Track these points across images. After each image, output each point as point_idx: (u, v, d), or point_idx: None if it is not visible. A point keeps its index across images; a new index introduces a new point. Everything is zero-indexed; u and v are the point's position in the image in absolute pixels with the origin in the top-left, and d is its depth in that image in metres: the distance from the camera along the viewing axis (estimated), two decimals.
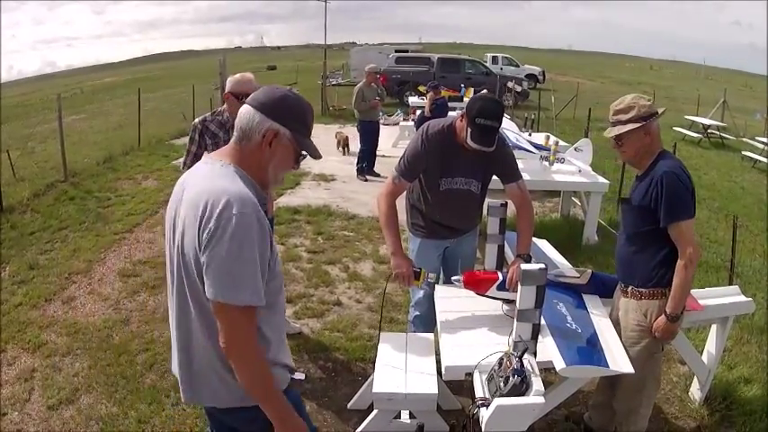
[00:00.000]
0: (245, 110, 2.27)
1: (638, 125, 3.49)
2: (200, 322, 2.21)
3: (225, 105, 4.74)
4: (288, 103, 2.29)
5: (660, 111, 3.60)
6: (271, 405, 2.22)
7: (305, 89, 32.33)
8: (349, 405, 4.37)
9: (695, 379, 4.76)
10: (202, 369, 2.29)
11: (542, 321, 3.33)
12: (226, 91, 4.68)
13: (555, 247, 7.05)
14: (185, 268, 2.18)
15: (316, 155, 2.36)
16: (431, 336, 4.22)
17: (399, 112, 20.49)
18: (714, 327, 4.63)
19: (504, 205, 4.17)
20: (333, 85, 31.32)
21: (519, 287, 3.14)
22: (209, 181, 2.17)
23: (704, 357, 4.64)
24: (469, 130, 3.83)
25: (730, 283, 6.06)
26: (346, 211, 9.95)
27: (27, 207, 9.89)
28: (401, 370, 3.79)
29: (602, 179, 8.38)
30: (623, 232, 3.76)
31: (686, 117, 23.10)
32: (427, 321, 4.51)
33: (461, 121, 3.95)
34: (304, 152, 2.35)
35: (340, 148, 14.96)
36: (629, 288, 3.68)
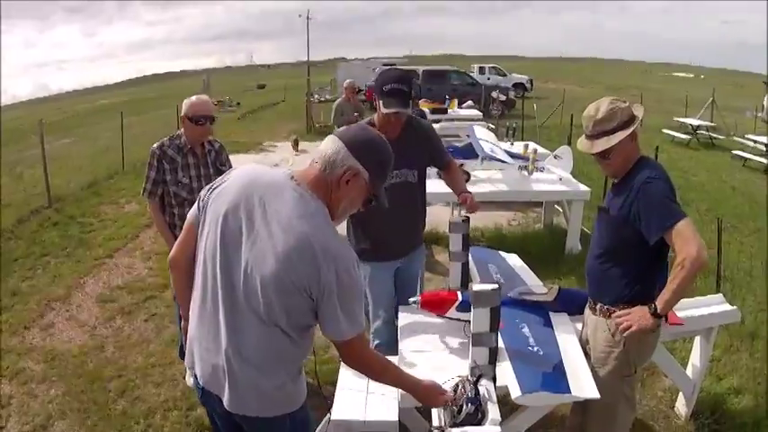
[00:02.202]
0: (333, 142, 2.35)
1: (627, 132, 3.22)
2: (258, 338, 2.32)
3: (182, 129, 4.68)
4: (373, 147, 2.40)
5: (638, 110, 3.31)
6: (402, 388, 2.75)
7: (292, 107, 32.58)
8: (317, 430, 4.25)
9: (681, 393, 4.61)
10: (248, 380, 2.36)
11: (502, 344, 3.20)
12: (181, 114, 4.61)
13: (537, 259, 6.97)
14: (249, 285, 2.27)
15: (384, 203, 2.46)
16: (394, 359, 4.05)
17: None
18: (698, 338, 4.46)
19: (467, 221, 4.05)
20: (319, 101, 31.28)
21: (472, 309, 2.98)
22: (308, 223, 2.24)
23: (689, 370, 4.49)
24: (381, 101, 3.93)
25: (717, 289, 5.95)
26: None
27: (11, 233, 9.87)
28: (362, 395, 3.59)
29: (583, 187, 8.24)
30: (596, 245, 3.49)
31: (675, 119, 23.09)
32: (389, 350, 4.31)
33: (375, 103, 4.05)
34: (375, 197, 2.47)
35: (294, 149, 18.38)
36: (598, 305, 3.44)
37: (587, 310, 3.61)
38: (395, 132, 4.01)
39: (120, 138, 16.30)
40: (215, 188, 2.45)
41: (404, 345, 3.71)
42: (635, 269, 3.28)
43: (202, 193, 2.49)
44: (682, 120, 22.75)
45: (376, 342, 4.44)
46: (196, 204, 2.50)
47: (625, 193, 3.24)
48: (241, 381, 2.36)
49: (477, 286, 2.97)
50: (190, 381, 5.07)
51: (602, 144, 3.25)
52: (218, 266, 2.33)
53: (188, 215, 2.56)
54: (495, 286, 2.92)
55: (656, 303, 3.08)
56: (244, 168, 2.51)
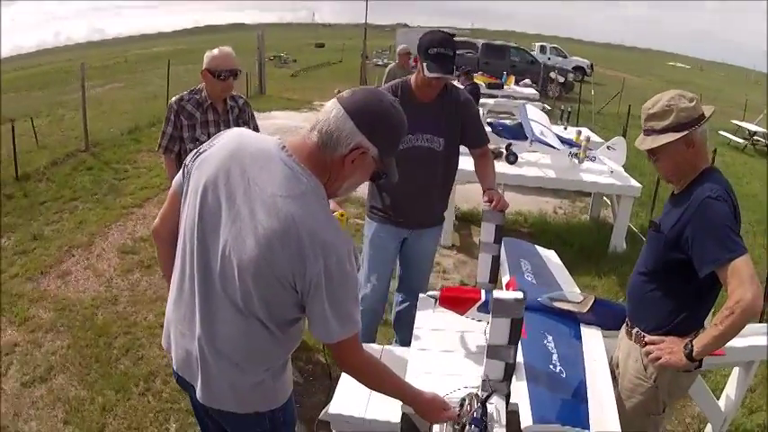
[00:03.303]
0: (337, 112, 1.98)
1: (677, 136, 2.70)
2: (234, 329, 2.08)
3: (203, 83, 4.41)
4: (387, 120, 2.04)
5: (708, 112, 2.78)
6: (401, 399, 2.41)
7: (348, 69, 32.67)
8: (320, 416, 3.95)
9: (709, 425, 4.15)
10: (222, 374, 2.15)
11: (521, 357, 2.87)
12: (203, 68, 4.31)
13: (579, 253, 6.53)
14: (225, 270, 2.01)
15: (393, 178, 2.13)
16: (399, 350, 3.70)
17: None
18: (736, 370, 3.98)
19: (502, 211, 3.68)
20: (376, 65, 31.04)
21: (490, 318, 2.65)
22: (296, 204, 1.93)
23: (721, 401, 4.01)
24: (425, 63, 3.71)
25: (762, 317, 5.36)
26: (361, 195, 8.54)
27: (43, 175, 9.92)
28: (366, 389, 3.29)
29: (634, 182, 7.68)
30: (642, 262, 3.02)
31: (732, 121, 22.15)
32: (371, 320, 4.30)
33: (416, 63, 3.87)
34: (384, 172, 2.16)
35: None
36: (635, 330, 3.00)
37: (623, 331, 3.18)
38: (430, 96, 3.84)
39: (167, 85, 16.13)
40: (200, 154, 2.15)
41: (416, 343, 3.42)
42: (680, 297, 2.83)
43: (188, 158, 2.19)
44: (739, 123, 21.89)
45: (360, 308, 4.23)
46: (181, 171, 2.21)
47: (681, 208, 2.75)
48: (214, 374, 2.13)
49: (498, 293, 2.62)
50: None
51: (647, 143, 2.83)
52: (195, 245, 2.07)
53: (173, 182, 2.27)
54: (520, 296, 2.57)
55: (694, 343, 2.64)
56: (231, 133, 2.19)
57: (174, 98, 4.45)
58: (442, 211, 4.33)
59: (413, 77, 3.95)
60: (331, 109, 1.99)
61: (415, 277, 4.37)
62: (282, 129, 13.66)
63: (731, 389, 4.00)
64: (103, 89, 22.75)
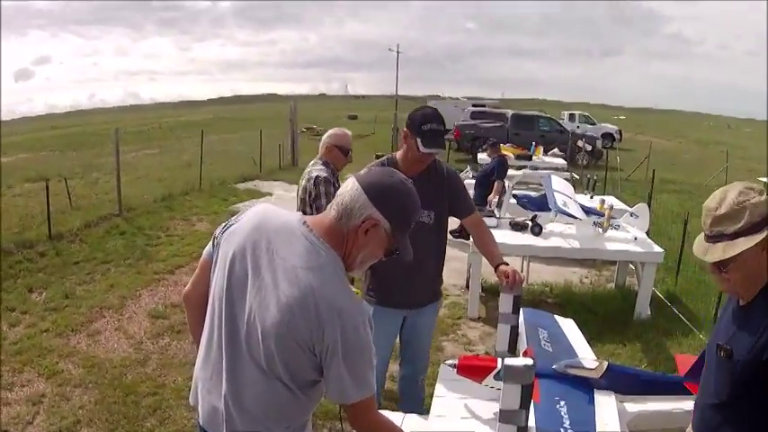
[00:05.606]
0: (352, 186, 2.17)
1: (756, 239, 2.17)
2: (258, 388, 2.18)
3: (323, 157, 4.98)
4: (397, 195, 2.19)
5: None
6: None
7: (381, 140, 32.80)
8: None
9: None
10: (245, 428, 2.23)
11: (534, 423, 2.93)
12: (331, 144, 4.99)
13: (604, 321, 6.49)
14: (251, 333, 2.14)
15: (407, 255, 2.27)
16: (421, 421, 3.62)
17: (468, 168, 19.89)
18: None
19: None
20: None
21: (502, 384, 2.75)
22: (315, 276, 2.08)
23: None
24: (419, 139, 3.76)
25: None
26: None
27: (76, 237, 10.17)
28: None
29: (657, 248, 7.63)
30: (713, 394, 2.43)
31: (759, 179, 21.78)
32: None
33: (405, 141, 3.87)
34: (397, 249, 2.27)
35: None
36: None
37: None
38: (418, 171, 3.85)
39: (200, 154, 16.53)
40: (228, 227, 2.33)
41: (435, 409, 3.51)
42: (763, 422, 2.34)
43: (217, 230, 2.38)
44: (765, 180, 21.49)
45: None
46: (211, 242, 2.39)
47: (756, 329, 2.23)
48: (239, 430, 2.23)
49: (509, 361, 2.74)
50: None
51: (718, 253, 2.24)
52: (224, 310, 2.21)
53: (203, 252, 2.46)
54: (530, 362, 2.68)
55: None
56: (257, 208, 2.35)
57: (324, 174, 4.80)
58: (439, 285, 4.29)
59: (399, 153, 3.97)
60: (349, 185, 2.17)
61: (416, 353, 4.35)
62: None
63: None
64: (138, 154, 23.15)
